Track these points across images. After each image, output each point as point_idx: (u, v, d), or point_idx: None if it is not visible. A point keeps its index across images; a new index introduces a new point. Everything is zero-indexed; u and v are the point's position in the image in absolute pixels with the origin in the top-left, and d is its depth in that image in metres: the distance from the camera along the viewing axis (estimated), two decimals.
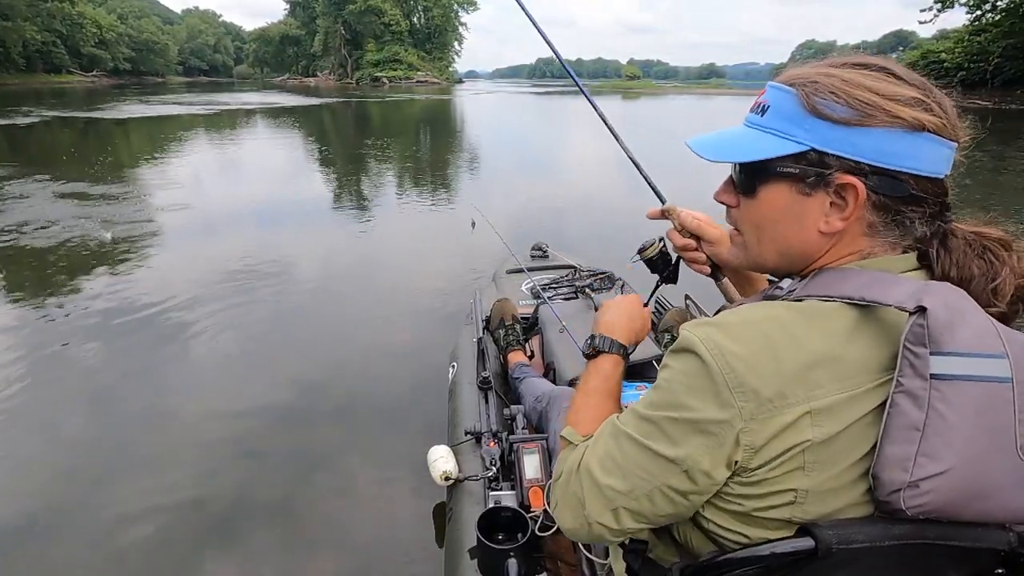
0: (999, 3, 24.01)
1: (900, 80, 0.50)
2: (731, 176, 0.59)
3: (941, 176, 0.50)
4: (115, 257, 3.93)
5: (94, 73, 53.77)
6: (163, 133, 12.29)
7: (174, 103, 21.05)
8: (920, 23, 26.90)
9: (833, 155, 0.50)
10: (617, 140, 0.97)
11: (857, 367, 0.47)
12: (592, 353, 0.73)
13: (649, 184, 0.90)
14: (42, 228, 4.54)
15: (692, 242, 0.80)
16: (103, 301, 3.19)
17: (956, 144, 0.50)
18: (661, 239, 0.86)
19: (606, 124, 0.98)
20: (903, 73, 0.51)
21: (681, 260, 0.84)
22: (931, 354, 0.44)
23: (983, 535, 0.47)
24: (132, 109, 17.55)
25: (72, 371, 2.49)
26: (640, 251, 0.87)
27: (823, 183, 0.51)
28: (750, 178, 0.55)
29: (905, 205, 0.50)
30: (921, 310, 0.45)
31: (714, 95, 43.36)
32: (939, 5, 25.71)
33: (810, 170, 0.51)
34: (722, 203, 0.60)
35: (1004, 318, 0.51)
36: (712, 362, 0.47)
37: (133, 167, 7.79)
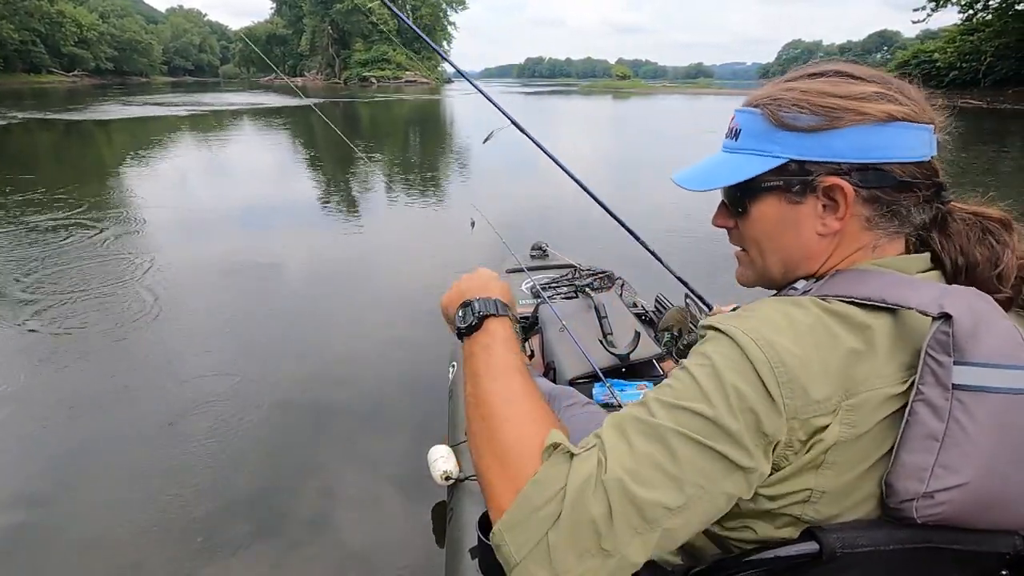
0: (991, 2, 24.09)
1: (857, 79, 0.51)
2: (723, 200, 0.60)
3: (926, 159, 0.51)
4: (104, 260, 3.85)
5: (75, 73, 52.81)
6: (146, 136, 12.08)
7: (156, 104, 20.70)
8: (913, 23, 26.98)
9: (812, 161, 0.51)
10: (639, 241, 0.99)
11: (885, 368, 0.46)
12: (475, 323, 0.56)
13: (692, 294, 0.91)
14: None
15: None
16: (94, 302, 3.12)
17: (932, 126, 0.51)
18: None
19: (607, 212, 1.02)
20: (858, 72, 0.52)
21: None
22: (955, 364, 0.43)
23: (989, 539, 0.47)
24: (113, 110, 17.24)
25: (59, 373, 2.42)
26: None
27: (810, 189, 0.52)
28: (740, 199, 0.57)
29: (897, 193, 0.51)
30: (946, 317, 0.44)
31: (706, 95, 43.74)
32: (932, 4, 25.71)
33: (794, 180, 0.52)
34: (720, 227, 0.61)
35: (1009, 302, 0.51)
36: (761, 356, 0.44)
37: (116, 170, 7.64)
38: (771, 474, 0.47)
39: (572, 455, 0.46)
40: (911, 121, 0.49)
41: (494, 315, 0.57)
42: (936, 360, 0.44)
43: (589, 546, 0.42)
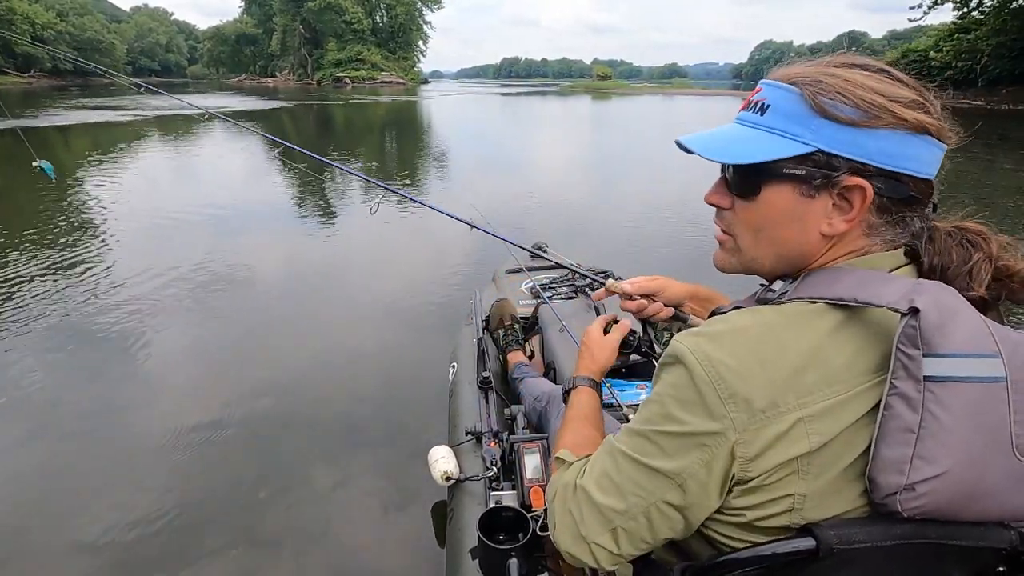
0: (987, 1, 23.56)
1: (899, 82, 0.50)
2: (724, 177, 0.57)
3: (932, 177, 0.51)
4: (84, 267, 3.69)
5: (31, 73, 50.40)
6: (110, 142, 11.63)
7: (109, 108, 19.82)
8: (910, 20, 26.61)
9: (840, 156, 0.49)
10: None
11: (848, 370, 0.46)
12: (566, 393, 0.83)
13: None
14: None
15: (644, 301, 0.85)
16: (81, 309, 2.99)
17: (946, 147, 0.50)
18: (617, 318, 0.91)
19: None
20: (900, 75, 0.51)
21: (646, 324, 0.90)
22: (924, 356, 0.44)
23: (984, 534, 0.48)
24: (66, 116, 16.51)
25: (31, 384, 2.32)
26: (624, 346, 0.89)
27: (829, 185, 0.50)
28: (750, 179, 0.53)
29: (905, 206, 0.51)
30: (914, 311, 0.44)
31: (688, 94, 44.44)
32: (929, 1, 25.07)
33: (817, 172, 0.50)
34: (713, 205, 0.58)
35: (984, 304, 0.51)
36: (702, 373, 0.47)
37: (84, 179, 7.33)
38: (742, 485, 0.49)
39: (570, 465, 0.62)
40: (935, 137, 0.49)
41: (573, 388, 0.82)
42: (906, 354, 0.44)
43: (574, 532, 0.56)
